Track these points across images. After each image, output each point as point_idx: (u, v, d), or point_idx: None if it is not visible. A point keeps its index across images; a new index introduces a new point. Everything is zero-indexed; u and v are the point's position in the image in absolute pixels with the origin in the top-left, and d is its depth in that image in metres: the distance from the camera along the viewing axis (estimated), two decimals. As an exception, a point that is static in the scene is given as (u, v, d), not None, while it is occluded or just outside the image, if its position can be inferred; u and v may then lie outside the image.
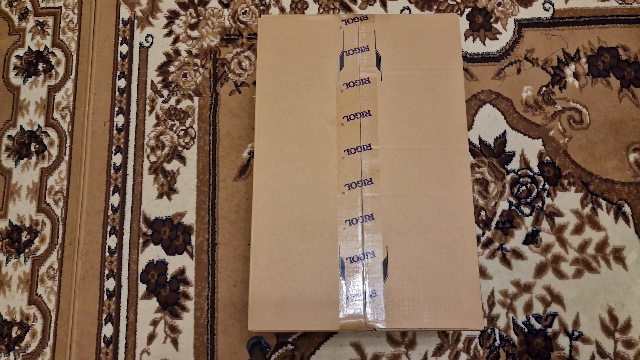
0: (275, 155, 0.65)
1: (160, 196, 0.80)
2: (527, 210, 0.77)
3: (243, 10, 0.88)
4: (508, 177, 0.78)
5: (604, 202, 0.76)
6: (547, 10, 0.85)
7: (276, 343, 0.73)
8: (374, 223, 0.62)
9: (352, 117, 0.66)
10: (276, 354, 0.73)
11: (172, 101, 0.84)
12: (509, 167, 0.78)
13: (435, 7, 0.86)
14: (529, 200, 0.77)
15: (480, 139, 0.80)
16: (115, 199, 0.81)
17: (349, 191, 0.64)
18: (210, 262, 0.77)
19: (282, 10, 0.87)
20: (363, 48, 0.69)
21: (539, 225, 0.76)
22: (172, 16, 0.89)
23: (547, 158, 0.78)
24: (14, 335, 0.78)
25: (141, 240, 0.79)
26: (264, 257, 0.62)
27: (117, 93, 0.86)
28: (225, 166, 0.81)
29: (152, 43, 0.88)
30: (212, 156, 0.81)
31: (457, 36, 0.69)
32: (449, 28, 0.70)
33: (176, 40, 0.87)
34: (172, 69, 0.86)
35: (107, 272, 0.78)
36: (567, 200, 0.77)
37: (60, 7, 0.93)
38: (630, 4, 0.85)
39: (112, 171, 0.82)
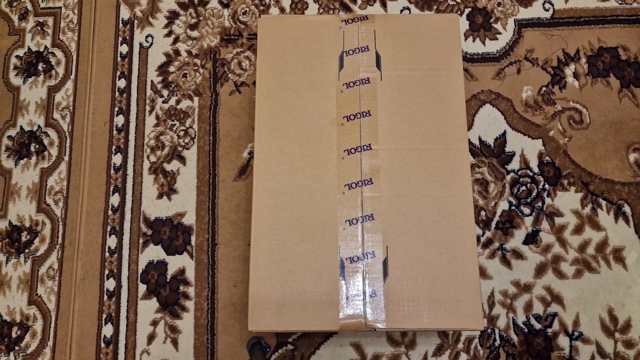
0: (275, 155, 0.65)
1: (160, 196, 0.80)
2: (527, 210, 0.77)
3: (243, 11, 0.88)
4: (508, 177, 0.78)
5: (604, 202, 0.76)
6: (547, 10, 0.85)
7: (276, 343, 0.73)
8: (374, 223, 0.62)
9: (352, 117, 0.66)
10: (276, 354, 0.73)
11: (172, 101, 0.84)
12: (509, 167, 0.78)
13: (435, 7, 0.86)
14: (529, 200, 0.77)
15: (480, 139, 0.80)
16: (115, 199, 0.81)
17: (349, 191, 0.64)
18: (210, 262, 0.77)
19: (282, 10, 0.87)
20: (363, 48, 0.69)
21: (539, 225, 0.76)
22: (172, 16, 0.89)
23: (547, 158, 0.78)
24: (14, 335, 0.78)
25: (141, 241, 0.79)
26: (264, 257, 0.62)
27: (117, 93, 0.86)
28: (225, 166, 0.81)
29: (152, 43, 0.88)
30: (212, 156, 0.81)
31: (457, 36, 0.69)
32: (449, 28, 0.70)
33: (176, 40, 0.87)
34: (172, 69, 0.86)
35: (107, 272, 0.78)
36: (567, 200, 0.77)
37: (60, 7, 0.93)
38: (630, 4, 0.85)
39: (112, 171, 0.82)
